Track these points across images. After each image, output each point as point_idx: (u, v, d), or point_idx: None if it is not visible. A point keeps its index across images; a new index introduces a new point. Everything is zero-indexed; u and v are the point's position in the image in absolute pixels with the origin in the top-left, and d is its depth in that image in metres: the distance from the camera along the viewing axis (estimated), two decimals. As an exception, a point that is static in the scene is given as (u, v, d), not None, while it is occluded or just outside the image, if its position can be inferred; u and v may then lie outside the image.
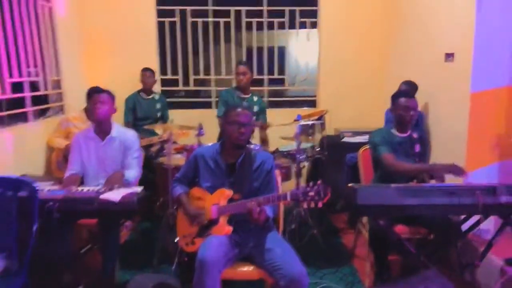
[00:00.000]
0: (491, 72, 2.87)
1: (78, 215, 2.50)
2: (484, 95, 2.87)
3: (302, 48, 5.09)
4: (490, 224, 2.58)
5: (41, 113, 3.86)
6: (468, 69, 2.92)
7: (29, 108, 3.47)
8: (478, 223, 2.30)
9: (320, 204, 1.93)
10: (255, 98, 3.88)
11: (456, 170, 2.40)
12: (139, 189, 2.50)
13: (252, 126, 2.44)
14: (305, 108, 5.02)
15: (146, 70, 4.31)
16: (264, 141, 3.88)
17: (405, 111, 2.65)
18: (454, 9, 3.17)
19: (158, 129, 4.12)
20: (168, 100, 4.65)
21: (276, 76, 5.06)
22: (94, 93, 2.83)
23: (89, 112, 3.30)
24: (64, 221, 2.32)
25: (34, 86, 3.65)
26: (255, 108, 3.82)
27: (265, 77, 5.00)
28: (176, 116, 4.43)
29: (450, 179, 2.55)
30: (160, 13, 4.72)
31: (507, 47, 2.83)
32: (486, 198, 2.12)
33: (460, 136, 2.99)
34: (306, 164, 3.86)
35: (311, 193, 1.92)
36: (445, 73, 3.30)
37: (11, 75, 3.20)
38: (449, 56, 3.23)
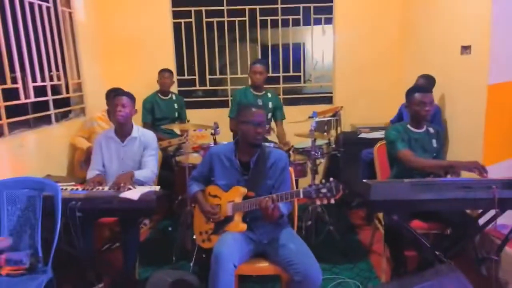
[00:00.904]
0: (509, 64, 2.81)
1: (99, 213, 2.58)
2: (502, 87, 2.81)
3: (317, 44, 5.08)
4: (509, 218, 2.53)
5: (64, 116, 3.99)
6: (485, 61, 2.86)
7: (52, 111, 3.59)
8: (495, 217, 2.26)
9: (332, 200, 1.96)
10: (270, 95, 3.89)
11: (478, 168, 2.35)
12: (157, 188, 2.58)
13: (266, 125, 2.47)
14: (322, 104, 5.01)
15: (164, 71, 4.35)
16: (280, 136, 3.87)
17: (421, 106, 2.62)
18: (471, 1, 3.12)
19: (176, 128, 4.20)
20: (186, 100, 4.72)
21: (291, 73, 5.06)
22: (115, 95, 2.90)
23: (111, 113, 3.41)
24: (86, 219, 2.41)
25: (56, 90, 3.78)
26: (270, 105, 3.83)
27: (281, 74, 5.02)
28: (194, 115, 4.52)
29: (464, 174, 2.52)
30: (176, 15, 4.79)
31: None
32: (502, 192, 2.09)
33: (477, 129, 2.94)
34: (322, 161, 3.87)
35: (324, 190, 1.95)
36: (462, 66, 3.25)
37: (34, 80, 3.33)
38: (465, 49, 3.18)
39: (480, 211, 2.41)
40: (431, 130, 2.75)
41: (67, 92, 3.90)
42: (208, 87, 5.07)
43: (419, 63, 4.17)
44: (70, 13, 3.97)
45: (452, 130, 3.45)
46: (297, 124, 3.54)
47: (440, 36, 3.68)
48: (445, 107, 3.57)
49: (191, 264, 2.92)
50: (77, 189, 2.56)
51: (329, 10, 4.81)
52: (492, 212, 2.29)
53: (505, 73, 2.81)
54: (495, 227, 2.42)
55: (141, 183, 2.71)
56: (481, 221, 2.39)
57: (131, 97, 2.88)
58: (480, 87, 2.91)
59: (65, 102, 3.98)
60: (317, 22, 4.90)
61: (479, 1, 2.96)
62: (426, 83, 3.48)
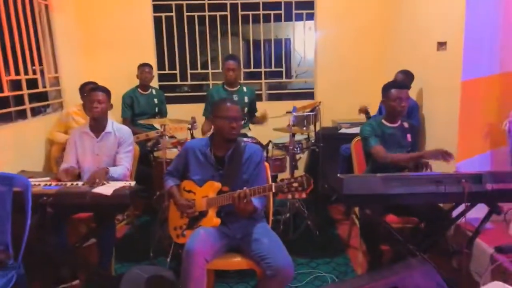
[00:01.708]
0: (482, 60, 2.85)
1: (71, 209, 2.55)
2: (475, 83, 2.85)
3: (299, 40, 5.08)
4: (482, 212, 2.57)
5: (41, 110, 3.92)
6: (459, 57, 2.90)
7: (27, 105, 3.52)
8: (465, 211, 2.30)
9: (304, 194, 1.97)
10: (245, 89, 3.86)
11: (444, 155, 2.39)
12: (132, 183, 2.54)
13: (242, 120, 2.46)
14: (304, 100, 5.01)
15: (144, 66, 4.28)
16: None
17: (398, 102, 2.65)
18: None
19: (155, 123, 4.16)
20: (167, 95, 4.67)
21: (273, 69, 5.06)
22: (90, 90, 2.86)
23: (86, 108, 3.35)
24: (58, 215, 2.38)
25: (33, 84, 3.71)
26: (246, 99, 3.81)
27: (262, 70, 5.01)
28: (175, 110, 4.49)
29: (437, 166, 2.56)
30: (156, 8, 4.74)
31: (497, 35, 2.81)
32: (472, 186, 2.11)
33: (451, 125, 2.98)
34: (302, 156, 3.87)
35: (295, 184, 1.96)
36: (438, 62, 3.29)
37: (8, 73, 3.26)
38: (441, 45, 3.21)
39: (453, 204, 2.45)
40: (406, 125, 2.77)
41: (44, 86, 3.84)
42: (189, 82, 5.04)
43: (399, 58, 4.20)
44: (46, 6, 3.89)
45: (429, 126, 3.48)
46: (276, 119, 3.54)
47: (418, 32, 3.72)
48: (423, 102, 3.61)
49: (168, 259, 2.91)
50: (50, 184, 2.51)
51: (311, 6, 4.82)
52: (464, 206, 2.33)
53: (476, 70, 2.86)
54: (467, 220, 2.45)
55: (115, 180, 2.68)
56: (454, 214, 2.43)
57: (107, 92, 2.83)
58: (454, 83, 2.95)
59: (43, 96, 3.92)
60: (299, 17, 4.90)
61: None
62: (404, 79, 3.51)
